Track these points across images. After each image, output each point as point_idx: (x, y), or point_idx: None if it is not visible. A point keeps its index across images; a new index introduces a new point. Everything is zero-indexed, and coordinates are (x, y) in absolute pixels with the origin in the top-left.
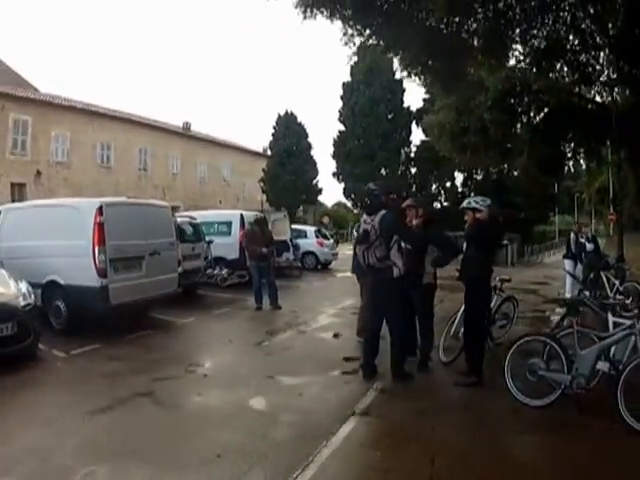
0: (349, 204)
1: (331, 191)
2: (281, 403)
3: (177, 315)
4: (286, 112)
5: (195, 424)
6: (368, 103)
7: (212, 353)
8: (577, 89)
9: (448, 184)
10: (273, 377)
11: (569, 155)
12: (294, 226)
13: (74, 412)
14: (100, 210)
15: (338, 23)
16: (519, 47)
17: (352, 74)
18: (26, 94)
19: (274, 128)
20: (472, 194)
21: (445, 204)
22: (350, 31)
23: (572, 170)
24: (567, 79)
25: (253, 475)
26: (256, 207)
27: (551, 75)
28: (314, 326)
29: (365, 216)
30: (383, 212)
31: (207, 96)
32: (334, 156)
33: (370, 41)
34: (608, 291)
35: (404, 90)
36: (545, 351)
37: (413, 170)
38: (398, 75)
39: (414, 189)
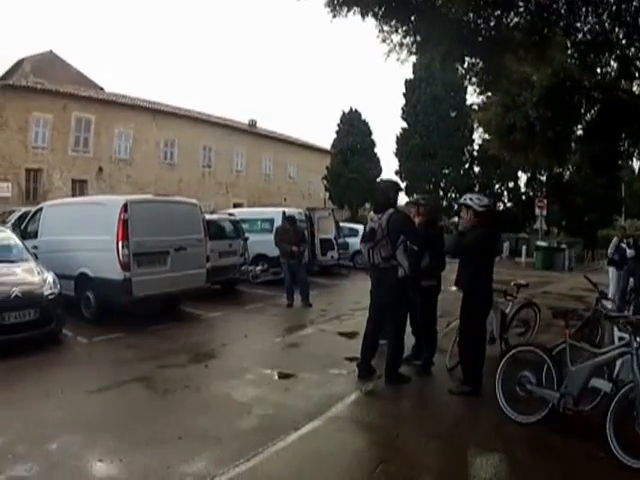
0: None
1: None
2: (263, 396)
3: (206, 309)
4: (350, 110)
5: (173, 408)
6: (430, 101)
7: (223, 346)
8: (626, 85)
9: (511, 184)
10: (269, 372)
11: (625, 154)
12: (346, 224)
13: (73, 390)
14: (125, 207)
15: (371, 20)
16: (563, 41)
17: (414, 71)
18: (89, 94)
19: (338, 126)
20: (537, 195)
21: (508, 205)
22: (386, 28)
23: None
24: (613, 74)
25: (202, 457)
26: (320, 205)
27: (597, 70)
28: (336, 325)
29: (372, 214)
30: (391, 211)
31: (273, 94)
32: (397, 154)
33: (407, 39)
34: None
35: (467, 87)
36: (537, 364)
37: (477, 169)
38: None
39: (477, 189)
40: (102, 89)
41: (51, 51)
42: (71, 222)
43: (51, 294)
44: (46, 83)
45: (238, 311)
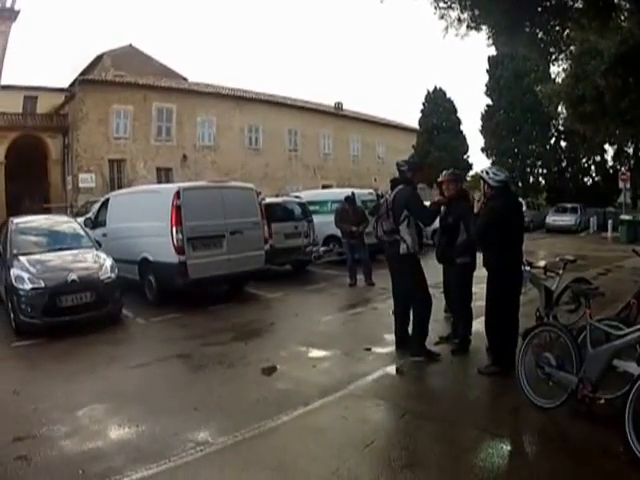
0: None
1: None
2: (288, 371)
3: (268, 290)
4: (435, 88)
5: (200, 382)
6: (513, 76)
7: (270, 325)
8: None
9: (598, 158)
10: (304, 349)
11: None
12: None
13: (118, 365)
14: (177, 194)
15: None
16: (629, 7)
17: (497, 47)
18: (169, 84)
19: (423, 104)
20: (623, 169)
21: (596, 179)
22: (441, 4)
23: None
24: None
25: (208, 427)
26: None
27: None
28: (390, 304)
29: (389, 189)
30: (400, 187)
31: (358, 76)
32: (482, 131)
33: (465, 14)
34: None
35: (555, 60)
36: (559, 346)
37: (563, 144)
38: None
39: (564, 164)
40: (185, 79)
41: (131, 45)
42: (133, 210)
43: (107, 278)
44: (127, 76)
45: (299, 291)
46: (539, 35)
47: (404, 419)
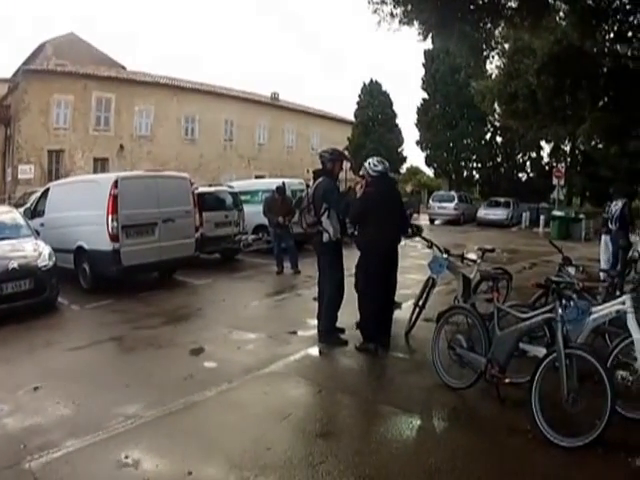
0: (430, 173)
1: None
2: (214, 352)
3: (197, 277)
4: (371, 81)
5: (132, 362)
6: (449, 71)
7: (198, 310)
8: (632, 53)
9: (534, 154)
10: (230, 331)
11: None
12: None
13: (55, 348)
14: (115, 183)
15: None
16: (563, 7)
17: (434, 41)
18: (109, 73)
19: (359, 97)
20: (559, 165)
21: (531, 175)
22: None
23: None
24: (609, 38)
25: (138, 401)
26: (342, 176)
27: (598, 36)
28: (315, 291)
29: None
30: (320, 179)
31: (295, 67)
32: (417, 125)
33: (397, 9)
34: None
35: (487, 57)
36: (470, 327)
37: (499, 139)
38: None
39: (499, 159)
40: (124, 68)
41: (72, 33)
42: (71, 200)
43: (45, 266)
44: (68, 65)
45: (227, 278)
46: (470, 32)
47: (320, 395)
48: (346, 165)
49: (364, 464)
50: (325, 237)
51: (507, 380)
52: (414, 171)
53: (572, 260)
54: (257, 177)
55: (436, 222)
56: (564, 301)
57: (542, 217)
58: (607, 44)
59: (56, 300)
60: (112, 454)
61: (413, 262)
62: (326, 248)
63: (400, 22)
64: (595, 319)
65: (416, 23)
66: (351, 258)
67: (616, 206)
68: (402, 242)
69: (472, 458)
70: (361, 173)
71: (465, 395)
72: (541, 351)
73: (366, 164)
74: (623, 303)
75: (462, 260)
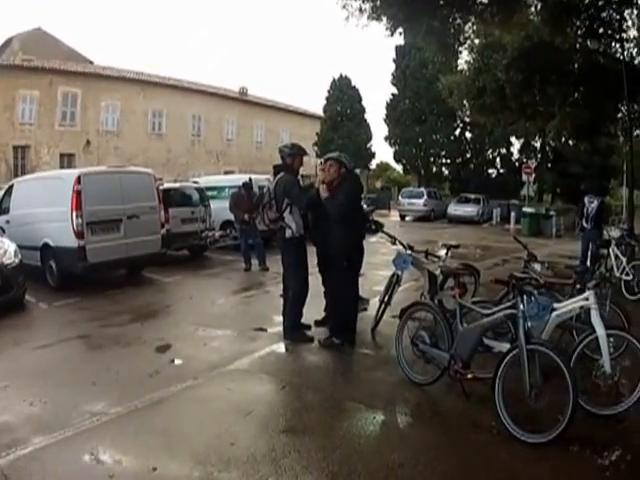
0: (400, 169)
1: (388, 156)
2: (181, 349)
3: (165, 274)
4: (340, 76)
5: (99, 359)
6: (419, 66)
7: (165, 307)
8: (603, 49)
9: (504, 150)
10: (196, 328)
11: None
12: None
13: (22, 346)
14: (78, 179)
15: None
16: (533, 3)
17: (405, 36)
18: (75, 68)
19: (328, 92)
20: (529, 162)
21: (501, 171)
22: None
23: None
24: (580, 33)
25: (104, 399)
26: (312, 172)
27: (569, 32)
28: (281, 287)
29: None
30: (280, 175)
31: (264, 62)
32: (386, 120)
33: (366, 4)
34: (615, 269)
35: (456, 52)
36: (433, 324)
37: (469, 135)
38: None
39: (469, 155)
40: (91, 63)
41: (40, 28)
42: (36, 196)
43: (11, 264)
44: (35, 60)
45: (194, 275)
46: (439, 27)
47: (284, 391)
48: (317, 162)
49: (327, 460)
50: (288, 233)
51: (470, 376)
52: (384, 167)
53: (537, 257)
54: (226, 173)
55: (407, 218)
56: (525, 297)
57: (513, 214)
58: (578, 40)
59: (23, 298)
60: (79, 451)
61: (382, 259)
62: (289, 244)
63: (369, 17)
64: (559, 315)
65: (384, 18)
66: (315, 255)
67: (592, 204)
68: (373, 239)
69: (436, 454)
70: (328, 163)
71: (429, 391)
72: (505, 347)
73: (341, 158)
74: (587, 299)
75: (427, 256)
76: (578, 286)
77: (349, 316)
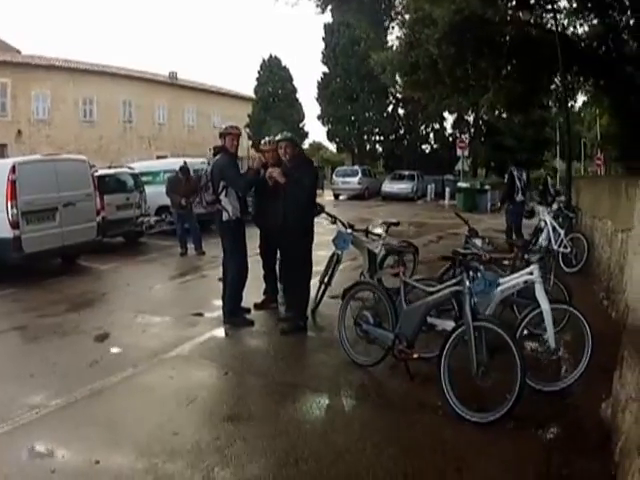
0: (333, 148)
1: (321, 135)
2: (120, 337)
3: (102, 262)
4: (270, 56)
5: (36, 351)
6: (349, 44)
7: (102, 295)
8: (535, 20)
9: (437, 126)
10: (135, 316)
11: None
12: None
13: None
14: (13, 169)
15: None
16: None
17: (333, 15)
18: (3, 57)
19: (258, 73)
20: (463, 136)
21: (435, 146)
22: None
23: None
24: (520, 12)
25: (42, 391)
26: (245, 153)
27: (500, 4)
28: (219, 271)
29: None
30: (217, 157)
31: (193, 44)
32: (318, 99)
33: None
34: (553, 242)
35: (387, 28)
36: (377, 303)
37: (401, 111)
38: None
39: (402, 131)
40: (19, 52)
41: None
42: None
43: None
44: None
45: (131, 262)
46: (369, 3)
47: (227, 377)
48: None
49: (273, 446)
50: (225, 216)
51: (415, 355)
52: (317, 146)
53: (478, 232)
54: (159, 157)
55: (340, 197)
56: (471, 273)
57: (447, 189)
58: (509, 12)
59: None
60: (18, 446)
61: (320, 239)
62: (226, 227)
63: None
64: (503, 290)
65: None
66: (254, 238)
67: (522, 177)
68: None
69: (382, 436)
70: (284, 144)
71: (374, 372)
72: (450, 325)
73: (293, 137)
74: (531, 273)
75: (367, 235)
76: (519, 261)
77: (308, 296)
